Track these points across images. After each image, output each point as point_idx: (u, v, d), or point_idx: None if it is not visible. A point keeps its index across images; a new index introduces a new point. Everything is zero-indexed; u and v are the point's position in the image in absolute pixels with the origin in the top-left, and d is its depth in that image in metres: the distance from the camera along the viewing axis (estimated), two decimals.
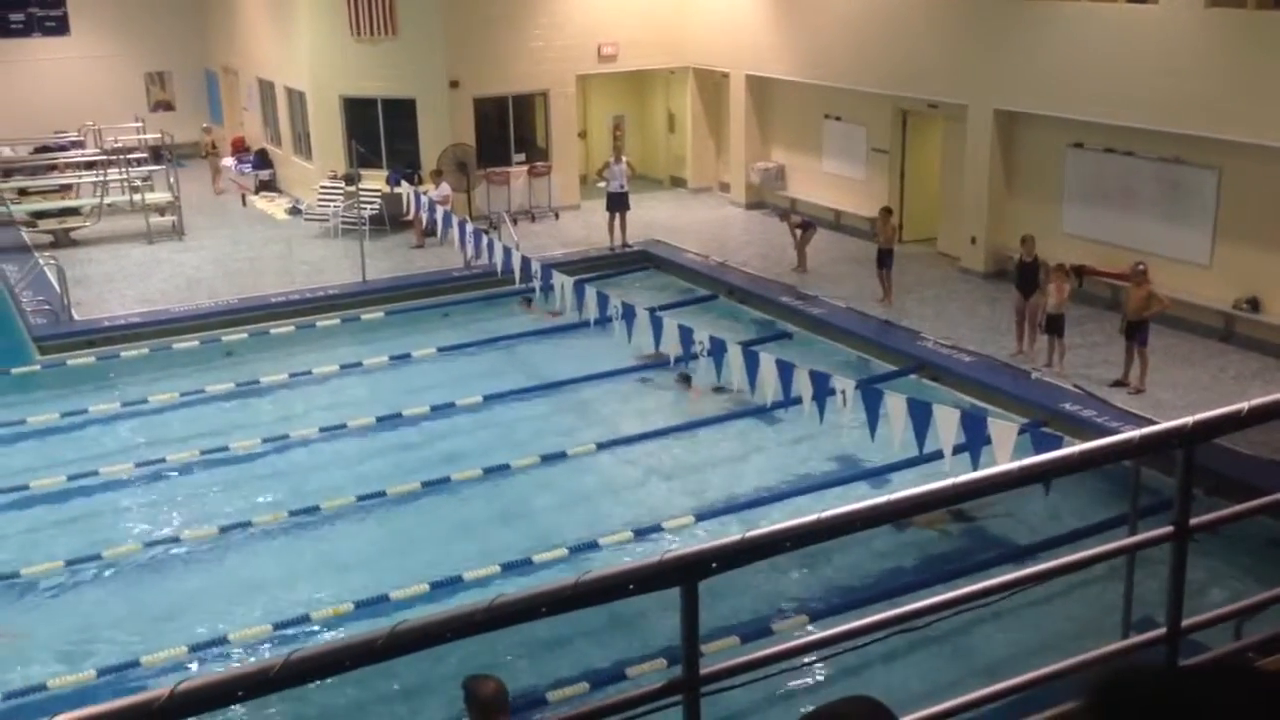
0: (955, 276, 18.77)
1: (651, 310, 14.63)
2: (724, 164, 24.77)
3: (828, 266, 19.30)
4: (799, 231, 19.30)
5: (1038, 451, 9.43)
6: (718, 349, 13.15)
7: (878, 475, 12.29)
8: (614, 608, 9.74)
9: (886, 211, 18.21)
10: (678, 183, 25.65)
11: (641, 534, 11.53)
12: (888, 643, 3.28)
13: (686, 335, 13.55)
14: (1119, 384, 13.94)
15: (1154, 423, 3.86)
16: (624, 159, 21.25)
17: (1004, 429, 10.56)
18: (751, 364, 12.58)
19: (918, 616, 3.05)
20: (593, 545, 11.28)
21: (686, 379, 14.97)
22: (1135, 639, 3.53)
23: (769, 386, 12.41)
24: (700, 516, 11.87)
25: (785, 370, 12.25)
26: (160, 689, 2.06)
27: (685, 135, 25.27)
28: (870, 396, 11.45)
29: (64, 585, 11.04)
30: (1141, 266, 14.31)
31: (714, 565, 2.65)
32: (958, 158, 19.08)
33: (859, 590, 10.50)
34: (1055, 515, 11.29)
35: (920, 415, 10.81)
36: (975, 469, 9.68)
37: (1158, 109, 15.47)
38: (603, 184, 21.05)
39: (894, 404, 11.13)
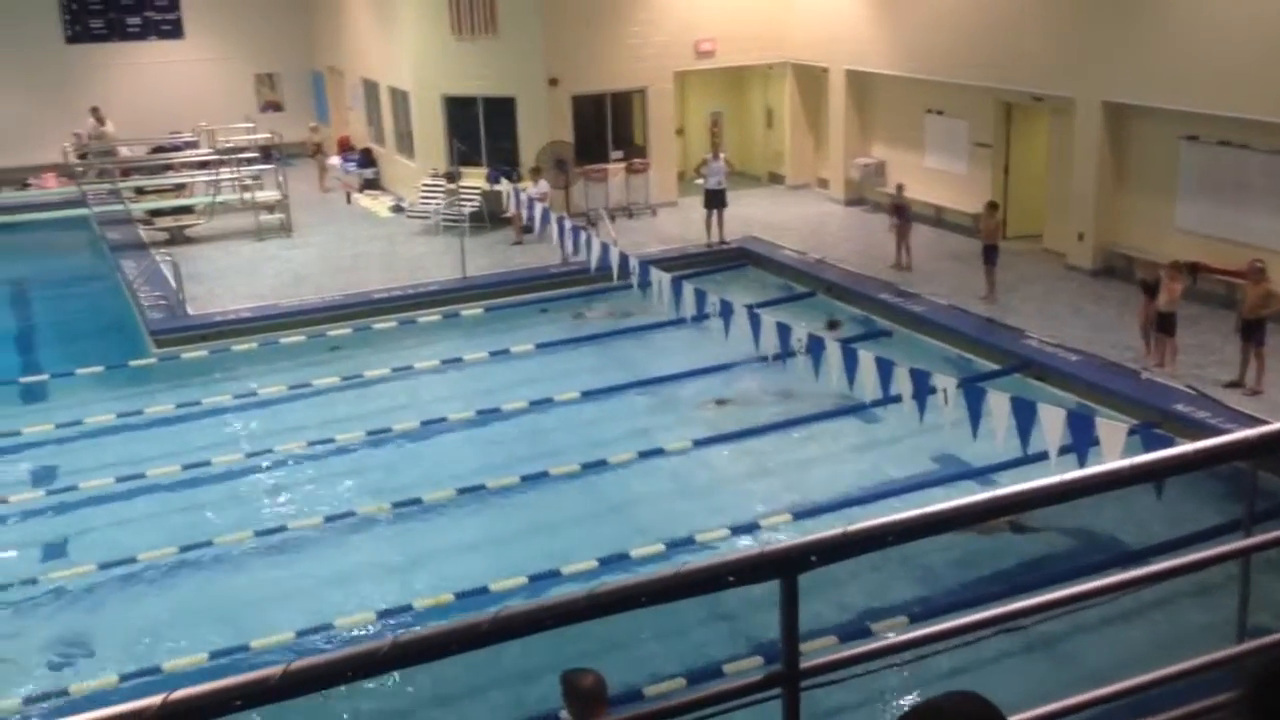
0: (1061, 273, 18.35)
1: (749, 307, 14.58)
2: (823, 160, 24.56)
3: (929, 263, 19.02)
4: (895, 221, 19.01)
5: (1149, 453, 9.17)
6: (816, 347, 13.05)
7: (980, 475, 12.06)
8: (711, 608, 9.77)
9: (992, 206, 17.91)
10: (776, 179, 25.52)
11: (738, 531, 11.51)
12: (991, 646, 3.23)
13: (784, 332, 13.47)
14: (1234, 385, 13.48)
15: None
16: (722, 155, 21.21)
17: (1113, 429, 10.29)
18: (850, 361, 12.46)
19: (1023, 616, 2.99)
20: (689, 541, 11.28)
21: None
22: (1250, 644, 3.42)
23: (868, 384, 12.27)
24: (797, 515, 11.80)
25: (885, 368, 12.10)
26: (274, 668, 2.12)
27: (784, 131, 25.12)
28: (972, 395, 11.26)
29: (177, 570, 11.41)
30: (1259, 263, 13.82)
31: (814, 558, 2.63)
32: (1065, 151, 18.64)
33: (959, 593, 10.33)
34: (1166, 519, 10.96)
35: (1024, 414, 10.60)
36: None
37: (1277, 100, 14.91)
38: (700, 181, 21.04)
39: (997, 402, 10.92)
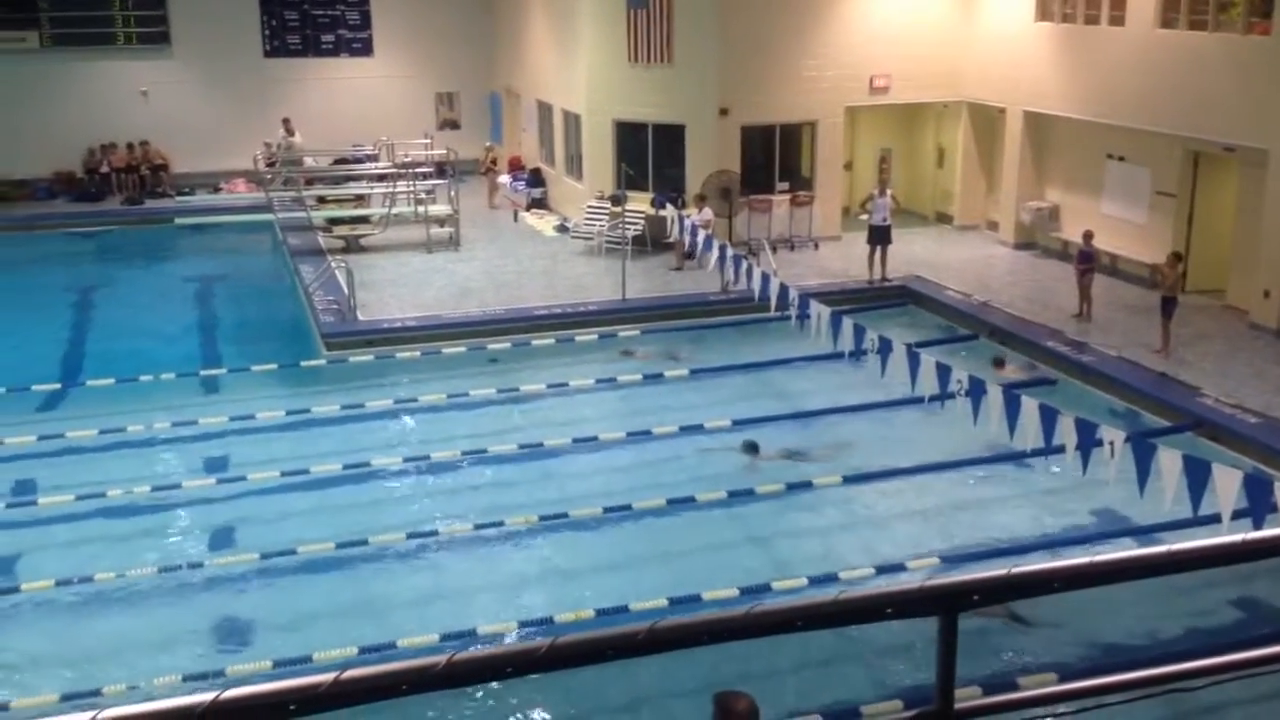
0: (1244, 332, 17.49)
1: (909, 346, 14.33)
2: (993, 202, 24.03)
3: (1101, 312, 18.40)
4: (1081, 268, 18.40)
5: None
6: (976, 390, 12.74)
7: (1144, 534, 11.57)
8: (847, 648, 9.63)
9: (1175, 257, 17.24)
10: (943, 219, 25.08)
11: (883, 571, 11.30)
12: (1155, 708, 3.09)
13: (944, 374, 13.20)
14: None
15: None
16: (889, 192, 20.96)
17: None
18: (1012, 407, 12.11)
19: (1191, 677, 2.86)
20: (833, 578, 11.12)
21: (754, 448, 14.20)
22: None
23: (1030, 432, 11.91)
24: (946, 559, 11.53)
25: (1048, 416, 11.72)
26: (439, 656, 2.18)
27: (954, 171, 24.69)
28: (1141, 450, 10.80)
29: (333, 565, 11.82)
30: None
31: (975, 598, 2.57)
32: (1255, 205, 17.79)
33: (1114, 655, 9.91)
34: None
35: (1197, 474, 10.12)
36: None
37: None
38: (864, 216, 20.83)
39: (1167, 460, 10.45)
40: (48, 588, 11.22)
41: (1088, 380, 16.14)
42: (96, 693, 9.35)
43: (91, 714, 1.99)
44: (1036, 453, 12.69)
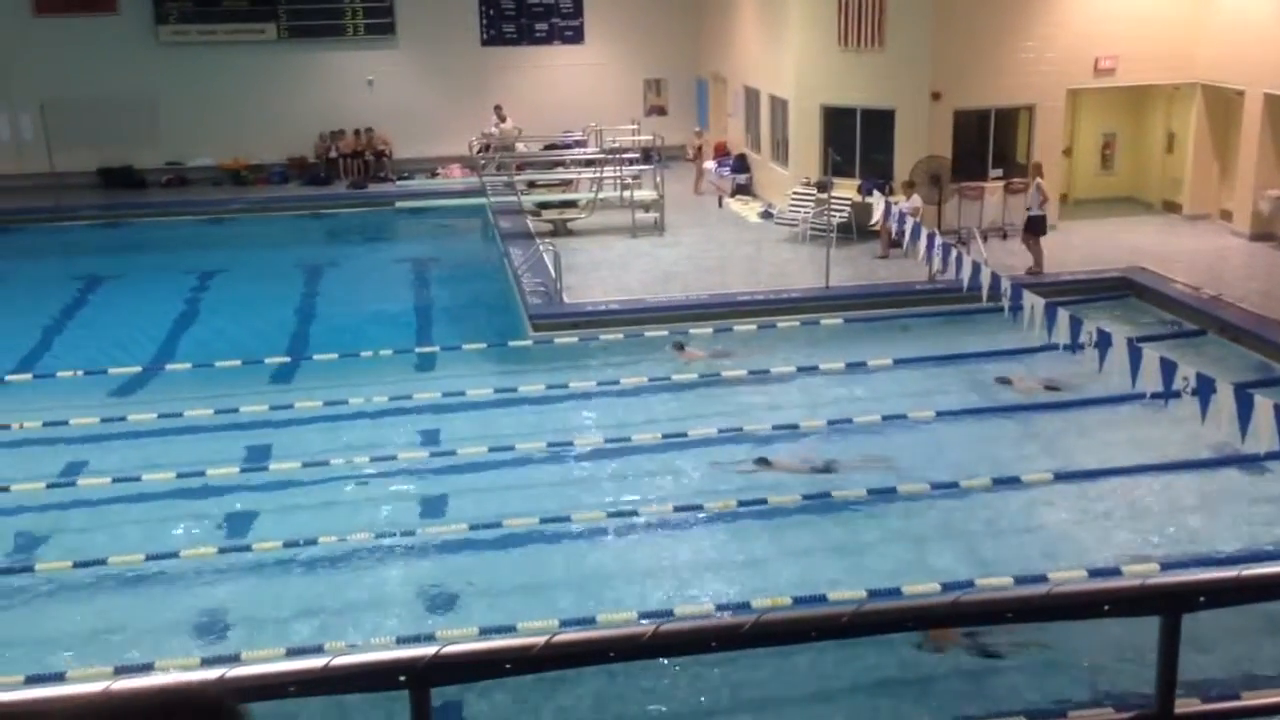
0: None
1: (1130, 340, 13.67)
2: (1228, 190, 22.59)
3: None
4: None
5: None
6: (1204, 388, 12.04)
7: None
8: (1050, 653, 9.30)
9: None
10: (1171, 208, 23.75)
11: (1096, 574, 10.83)
12: None
13: (1169, 370, 12.53)
14: None
15: None
16: (1038, 180, 20.10)
17: None
18: (1245, 407, 11.40)
19: None
20: (1041, 578, 10.73)
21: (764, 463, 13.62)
22: None
23: (1263, 433, 11.19)
24: (1166, 566, 10.95)
25: None
26: (646, 625, 2.23)
27: (1185, 157, 23.32)
28: None
29: (536, 539, 12.14)
30: None
31: (1201, 599, 2.46)
32: None
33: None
34: None
35: None
36: None
37: None
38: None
39: None
40: (276, 549, 11.96)
41: None
42: (319, 649, 9.91)
43: (326, 660, 2.13)
44: (1270, 456, 11.93)
